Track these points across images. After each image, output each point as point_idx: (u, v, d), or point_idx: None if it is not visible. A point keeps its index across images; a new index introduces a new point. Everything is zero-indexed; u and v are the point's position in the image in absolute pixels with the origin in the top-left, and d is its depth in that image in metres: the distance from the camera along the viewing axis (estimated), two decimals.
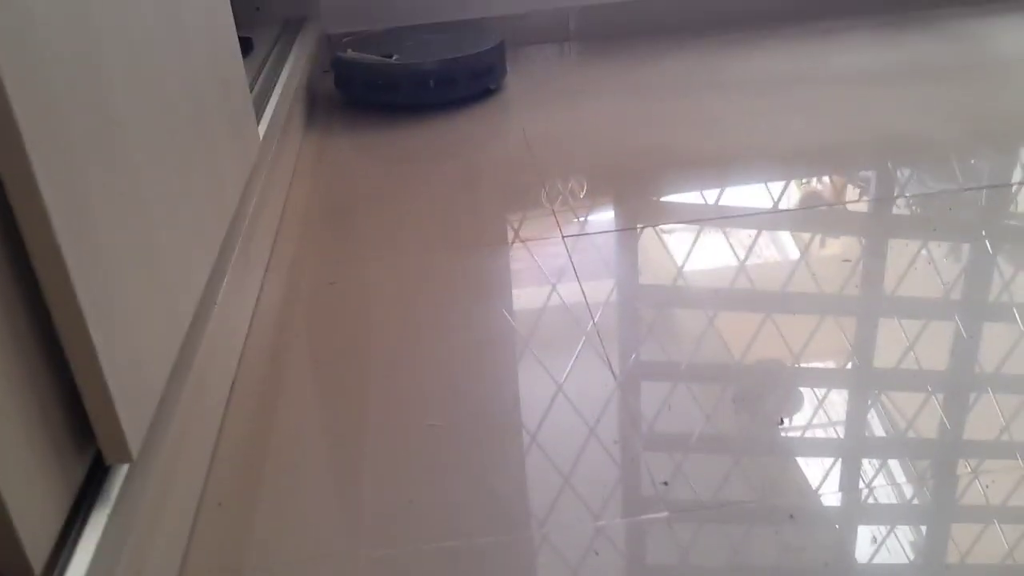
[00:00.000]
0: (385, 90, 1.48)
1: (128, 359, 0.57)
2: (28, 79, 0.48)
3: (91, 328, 0.52)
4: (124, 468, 0.58)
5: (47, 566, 0.50)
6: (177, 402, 0.64)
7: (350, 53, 1.51)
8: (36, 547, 0.49)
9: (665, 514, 0.61)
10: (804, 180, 1.12)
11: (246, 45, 1.51)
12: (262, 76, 1.37)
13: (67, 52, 0.54)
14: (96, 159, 0.56)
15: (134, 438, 0.56)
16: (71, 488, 0.54)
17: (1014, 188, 1.05)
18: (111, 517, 0.54)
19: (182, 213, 0.73)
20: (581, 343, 0.82)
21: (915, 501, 0.60)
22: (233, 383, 0.81)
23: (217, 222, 0.84)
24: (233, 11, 1.03)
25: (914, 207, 1.02)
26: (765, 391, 0.73)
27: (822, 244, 0.97)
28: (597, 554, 0.59)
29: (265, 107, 1.22)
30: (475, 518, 0.63)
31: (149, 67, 0.69)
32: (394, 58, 1.46)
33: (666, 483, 0.64)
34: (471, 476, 0.67)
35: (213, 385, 0.75)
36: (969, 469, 0.63)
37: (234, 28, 1.02)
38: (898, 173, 1.11)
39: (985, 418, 0.68)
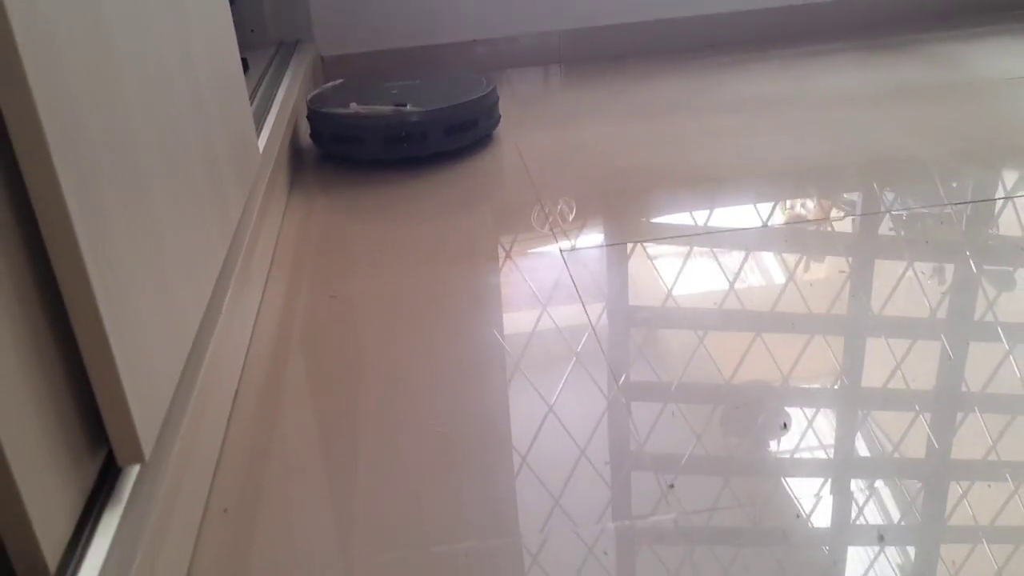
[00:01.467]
0: (394, 144, 1.33)
1: (141, 363, 0.58)
2: (56, 107, 0.50)
3: (109, 332, 0.53)
4: (134, 471, 0.58)
5: (60, 565, 0.51)
6: (185, 408, 0.65)
7: (354, 107, 1.34)
8: (51, 546, 0.49)
9: (673, 515, 0.62)
10: (793, 198, 1.14)
11: (242, 65, 1.53)
12: (258, 95, 1.38)
13: (91, 80, 0.55)
14: (114, 178, 0.57)
15: (147, 439, 0.57)
16: (84, 489, 0.54)
17: (998, 205, 1.07)
18: (123, 518, 0.55)
19: (189, 226, 0.74)
20: (573, 361, 0.83)
21: (904, 522, 0.61)
22: (236, 391, 0.82)
23: (221, 235, 0.85)
24: None
25: (901, 223, 1.04)
26: (755, 410, 0.74)
27: (808, 264, 0.98)
28: (606, 554, 0.59)
29: (263, 124, 1.23)
30: (484, 521, 0.64)
31: (161, 90, 0.70)
32: (408, 107, 1.32)
33: (672, 486, 0.65)
34: (478, 481, 0.68)
35: (218, 392, 0.76)
36: (960, 490, 0.63)
37: (237, 48, 1.03)
38: (885, 190, 1.14)
39: (973, 437, 0.69)
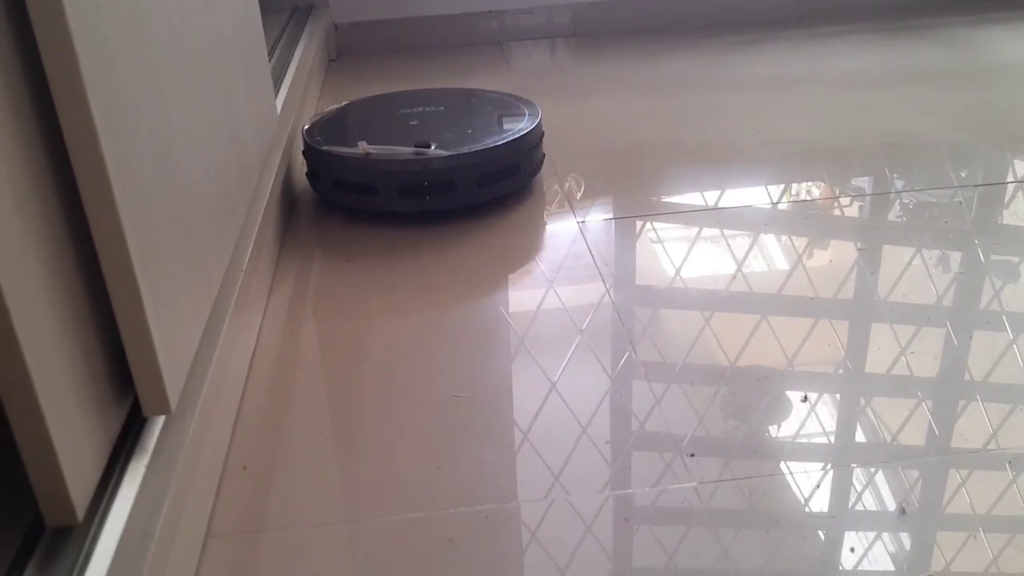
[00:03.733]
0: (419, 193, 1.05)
1: (169, 312, 0.58)
2: (92, 51, 0.49)
3: (139, 279, 0.53)
4: (159, 423, 0.59)
5: (88, 512, 0.51)
6: (208, 363, 0.65)
7: (363, 147, 1.05)
8: (80, 494, 0.50)
9: (693, 484, 0.62)
10: (804, 179, 1.14)
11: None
12: (274, 58, 1.38)
13: (126, 40, 0.55)
14: (144, 126, 0.57)
15: (173, 391, 0.57)
16: (111, 438, 0.55)
17: (1010, 189, 1.07)
18: (149, 468, 0.55)
19: (212, 183, 0.74)
20: (575, 343, 0.83)
21: (903, 508, 0.61)
22: (254, 351, 0.82)
23: (241, 194, 0.85)
24: None
25: (911, 207, 1.04)
26: (756, 395, 0.74)
27: (815, 248, 0.98)
28: (626, 520, 0.60)
29: (279, 86, 1.23)
30: (502, 484, 0.64)
31: (189, 54, 0.70)
32: (433, 147, 1.05)
33: (692, 455, 0.65)
34: (495, 445, 0.68)
35: (238, 349, 0.76)
36: (959, 478, 0.63)
37: (259, 12, 1.03)
38: (895, 174, 1.13)
39: (973, 426, 0.69)
